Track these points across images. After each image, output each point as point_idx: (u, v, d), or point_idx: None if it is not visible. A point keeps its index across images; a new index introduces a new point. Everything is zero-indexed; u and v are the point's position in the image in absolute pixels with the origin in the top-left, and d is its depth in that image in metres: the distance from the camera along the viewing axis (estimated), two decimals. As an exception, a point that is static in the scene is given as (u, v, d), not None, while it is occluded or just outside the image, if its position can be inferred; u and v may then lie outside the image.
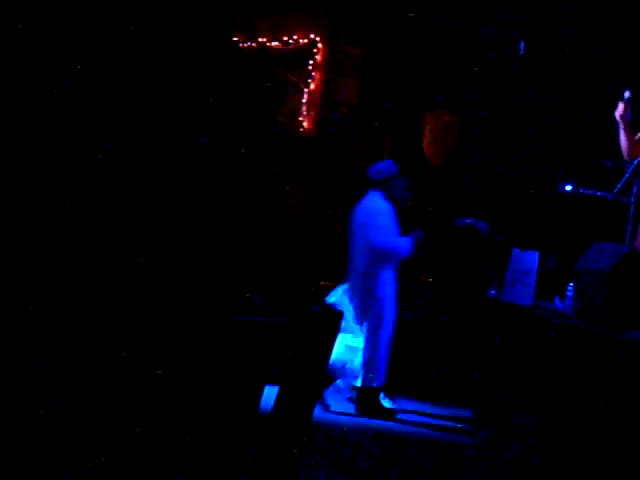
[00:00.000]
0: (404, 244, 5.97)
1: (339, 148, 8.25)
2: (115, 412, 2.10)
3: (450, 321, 6.53)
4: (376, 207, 6.01)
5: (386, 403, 5.91)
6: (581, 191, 6.03)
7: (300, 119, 8.29)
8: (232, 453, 2.21)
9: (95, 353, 2.10)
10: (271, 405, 2.29)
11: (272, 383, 2.28)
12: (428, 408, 6.15)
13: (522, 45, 7.66)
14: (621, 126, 5.20)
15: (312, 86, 8.30)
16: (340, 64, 8.36)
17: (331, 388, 5.97)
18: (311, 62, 8.30)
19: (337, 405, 5.88)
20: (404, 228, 6.04)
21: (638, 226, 5.07)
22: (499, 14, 7.91)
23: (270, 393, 2.29)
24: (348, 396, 6.02)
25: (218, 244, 3.10)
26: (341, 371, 5.95)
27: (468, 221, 6.69)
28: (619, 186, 4.97)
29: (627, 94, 5.18)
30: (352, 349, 5.95)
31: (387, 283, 5.94)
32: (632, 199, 5.09)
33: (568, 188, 6.14)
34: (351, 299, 6.03)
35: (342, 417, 5.72)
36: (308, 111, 8.30)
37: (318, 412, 4.95)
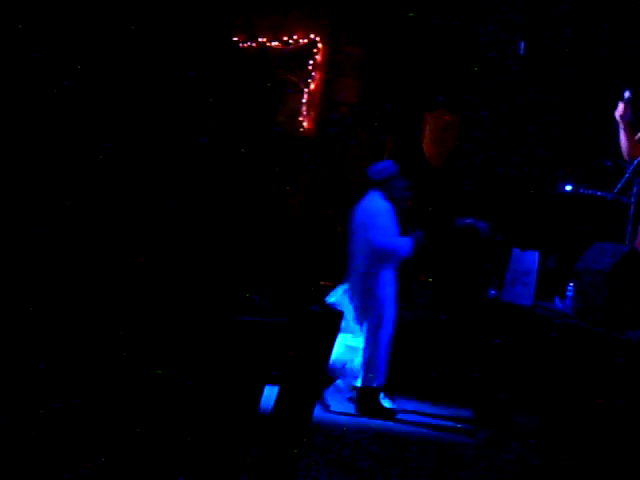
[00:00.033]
0: (404, 244, 5.97)
1: (339, 148, 8.25)
2: (115, 412, 2.10)
3: (450, 321, 6.53)
4: (376, 207, 6.01)
5: (386, 403, 5.91)
6: (581, 191, 6.04)
7: (300, 119, 8.29)
8: (232, 453, 2.21)
9: (95, 353, 2.10)
10: (271, 405, 2.29)
11: (272, 383, 2.28)
12: (428, 408, 6.15)
13: (522, 45, 7.66)
14: (621, 126, 5.20)
15: (312, 86, 8.30)
16: (340, 64, 8.36)
17: (331, 388, 5.97)
18: (311, 62, 8.29)
19: (337, 405, 5.88)
20: (404, 228, 6.03)
21: (638, 226, 5.07)
22: (499, 14, 7.91)
23: (270, 393, 2.29)
24: (348, 396, 6.02)
25: (218, 244, 3.10)
26: (341, 371, 5.95)
27: (468, 221, 6.69)
28: (619, 186, 4.97)
29: (627, 94, 5.18)
30: (352, 349, 5.95)
31: (387, 283, 5.94)
32: (632, 199, 5.09)
33: (568, 188, 6.15)
34: (351, 299, 6.03)
35: (342, 417, 5.72)
36: (308, 111, 8.30)
37: (318, 412, 4.97)
